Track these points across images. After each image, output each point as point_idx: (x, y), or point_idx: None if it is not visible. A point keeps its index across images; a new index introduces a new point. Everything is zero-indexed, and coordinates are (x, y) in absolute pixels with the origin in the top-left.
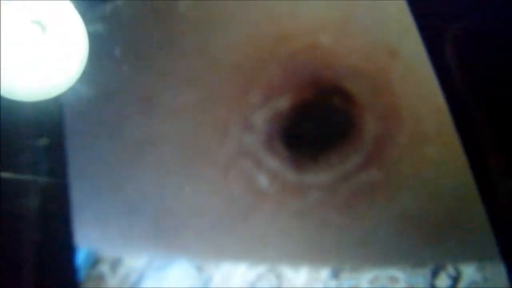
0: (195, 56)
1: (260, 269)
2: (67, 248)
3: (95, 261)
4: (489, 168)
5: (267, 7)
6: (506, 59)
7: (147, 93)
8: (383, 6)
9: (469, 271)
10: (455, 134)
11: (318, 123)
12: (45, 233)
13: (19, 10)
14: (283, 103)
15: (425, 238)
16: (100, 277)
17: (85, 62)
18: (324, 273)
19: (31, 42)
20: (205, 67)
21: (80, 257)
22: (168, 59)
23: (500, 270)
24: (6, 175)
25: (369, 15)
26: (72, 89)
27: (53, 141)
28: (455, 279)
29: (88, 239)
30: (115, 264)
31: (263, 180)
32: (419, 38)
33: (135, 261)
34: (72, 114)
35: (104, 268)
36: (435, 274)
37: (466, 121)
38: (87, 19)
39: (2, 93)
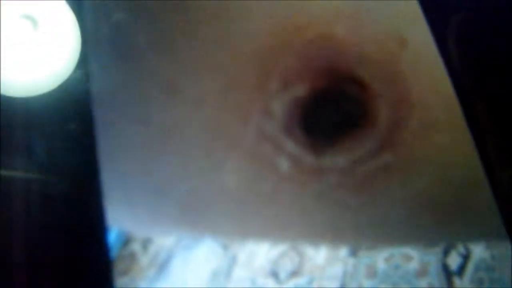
0: (216, 45)
1: (282, 247)
2: (100, 229)
3: (126, 240)
4: (496, 153)
5: (284, 1)
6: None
7: (172, 81)
8: None
9: (478, 250)
10: (464, 120)
11: (333, 109)
12: (79, 215)
13: (11, 5)
14: (300, 90)
15: (437, 219)
16: (132, 255)
17: (76, 59)
18: (343, 251)
19: (22, 37)
20: (225, 56)
21: (112, 237)
22: (190, 48)
23: (507, 248)
24: (40, 160)
25: (380, 5)
26: (100, 78)
27: (83, 128)
28: (465, 257)
29: (120, 220)
30: (146, 243)
31: (283, 163)
32: (427, 27)
33: (164, 240)
34: (101, 102)
35: (135, 246)
36: (446, 252)
37: (474, 108)
38: (110, 10)
39: None
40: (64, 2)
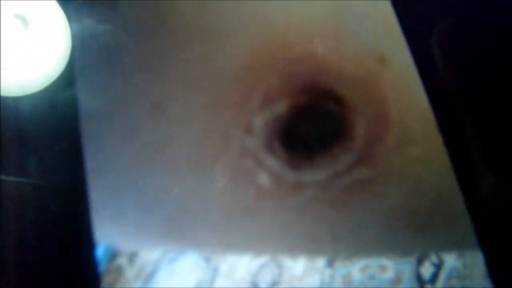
0: (200, 64)
1: (263, 259)
2: (88, 243)
3: (113, 254)
4: (469, 166)
5: (266, 18)
6: (486, 58)
7: (158, 99)
8: (373, 15)
9: (450, 259)
10: (438, 135)
11: (313, 125)
12: (67, 231)
13: (2, 4)
14: (281, 107)
15: (411, 230)
16: (119, 269)
17: (67, 59)
18: (320, 262)
19: (12, 37)
20: (209, 75)
21: (100, 252)
22: (175, 68)
23: (478, 258)
24: (30, 178)
25: (359, 24)
26: (89, 97)
27: (71, 145)
28: (438, 267)
29: (107, 235)
30: (132, 257)
31: (264, 179)
32: (405, 44)
33: (150, 254)
34: (90, 119)
35: (122, 261)
36: (420, 262)
37: (448, 122)
38: (98, 32)
39: None
40: (55, 2)
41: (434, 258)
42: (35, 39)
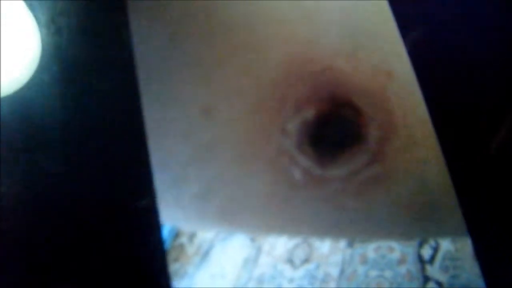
0: (241, 76)
1: (296, 240)
2: (156, 225)
3: (176, 234)
4: (462, 166)
5: (291, 36)
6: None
7: (207, 105)
8: (383, 35)
9: (445, 244)
10: (437, 139)
11: (335, 129)
12: (139, 216)
13: None
14: (309, 114)
15: (414, 219)
16: (181, 246)
17: (36, 64)
18: (342, 244)
19: None
20: (249, 85)
21: (165, 232)
22: (221, 78)
23: (467, 243)
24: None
25: (372, 43)
26: (148, 103)
27: (138, 142)
28: (435, 249)
29: (171, 218)
30: (192, 236)
31: (297, 174)
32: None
33: (206, 234)
34: (151, 122)
35: (183, 239)
36: (421, 245)
37: (444, 127)
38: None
39: None
40: (23, 3)
41: (432, 242)
42: (4, 40)
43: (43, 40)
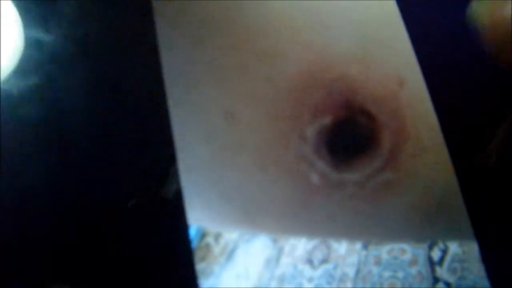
0: (262, 83)
1: (315, 241)
2: (183, 226)
3: (203, 234)
4: (469, 172)
5: (312, 44)
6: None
7: (230, 110)
8: (395, 45)
9: (453, 247)
10: (445, 146)
11: (350, 135)
12: (168, 217)
13: None
14: (326, 120)
15: (424, 222)
16: (207, 246)
17: (18, 59)
18: (358, 246)
19: None
20: (270, 90)
21: (192, 232)
22: (243, 84)
23: (474, 246)
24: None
25: (384, 52)
26: (174, 107)
27: (167, 148)
28: (444, 251)
29: (198, 219)
30: (217, 237)
31: (315, 178)
32: (420, 70)
33: (231, 235)
34: (177, 124)
35: (209, 239)
36: (431, 248)
37: (452, 135)
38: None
39: None
40: (10, 2)
41: (441, 245)
42: None
43: (71, 43)
